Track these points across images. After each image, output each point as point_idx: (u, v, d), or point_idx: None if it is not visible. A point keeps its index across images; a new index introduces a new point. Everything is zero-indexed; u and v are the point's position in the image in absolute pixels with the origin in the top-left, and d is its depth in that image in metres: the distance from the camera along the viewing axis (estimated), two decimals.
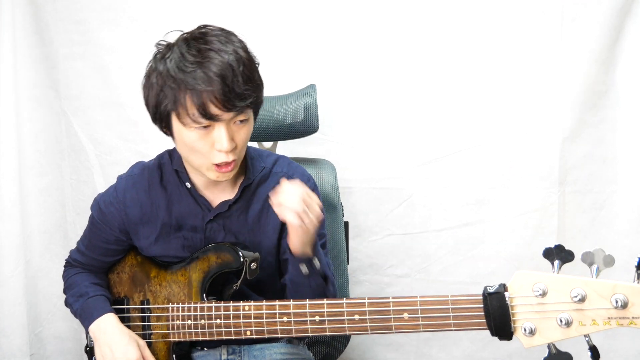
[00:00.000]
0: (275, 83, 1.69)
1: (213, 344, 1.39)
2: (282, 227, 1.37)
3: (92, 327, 1.37)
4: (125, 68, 2.04)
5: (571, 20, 1.81)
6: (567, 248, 0.97)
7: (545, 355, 0.98)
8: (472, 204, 1.95)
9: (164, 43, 1.26)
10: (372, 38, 1.93)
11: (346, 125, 1.98)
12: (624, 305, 0.91)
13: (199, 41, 1.19)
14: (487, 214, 1.94)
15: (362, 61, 1.94)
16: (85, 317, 1.39)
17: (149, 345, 1.37)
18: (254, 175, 1.36)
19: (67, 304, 1.47)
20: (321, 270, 1.28)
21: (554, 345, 0.98)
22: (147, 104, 1.28)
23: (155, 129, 2.02)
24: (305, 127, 1.71)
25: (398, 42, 1.92)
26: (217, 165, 1.22)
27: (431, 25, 1.89)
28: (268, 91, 1.72)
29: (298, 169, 1.41)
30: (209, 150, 1.21)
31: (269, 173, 1.38)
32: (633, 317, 0.91)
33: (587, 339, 0.96)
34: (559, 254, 0.97)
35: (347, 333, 1.14)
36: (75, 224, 2.18)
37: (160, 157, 1.41)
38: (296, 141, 1.79)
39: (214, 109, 1.15)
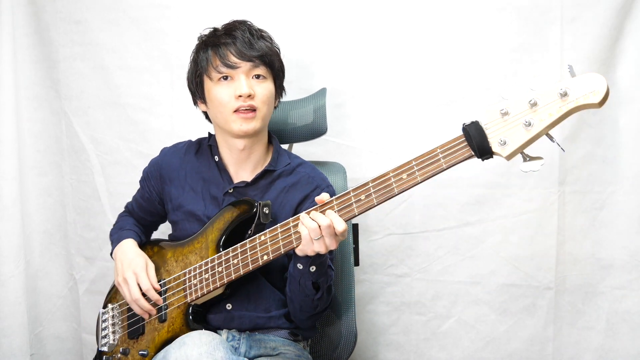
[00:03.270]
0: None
1: (216, 326, 1.44)
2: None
3: (115, 249, 1.58)
4: (125, 68, 2.05)
5: (571, 20, 1.81)
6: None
7: (521, 164, 1.16)
8: (472, 204, 1.94)
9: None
10: (373, 39, 1.93)
11: (345, 126, 1.98)
12: (566, 94, 1.10)
13: (228, 23, 1.50)
14: (487, 214, 1.94)
15: (362, 61, 1.95)
16: (114, 245, 1.59)
17: (164, 318, 1.42)
18: (277, 166, 1.53)
19: (110, 236, 1.66)
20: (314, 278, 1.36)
21: (525, 153, 1.16)
22: (189, 81, 1.54)
23: (154, 129, 2.05)
24: (314, 130, 1.75)
25: (398, 42, 1.92)
26: (240, 112, 1.42)
27: (432, 25, 1.90)
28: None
29: (320, 174, 1.55)
30: (231, 99, 1.43)
31: (292, 170, 1.54)
32: (576, 98, 1.10)
33: (549, 136, 1.15)
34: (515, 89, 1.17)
35: (357, 213, 1.26)
36: (76, 223, 2.18)
37: (202, 138, 1.62)
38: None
39: (232, 58, 1.43)
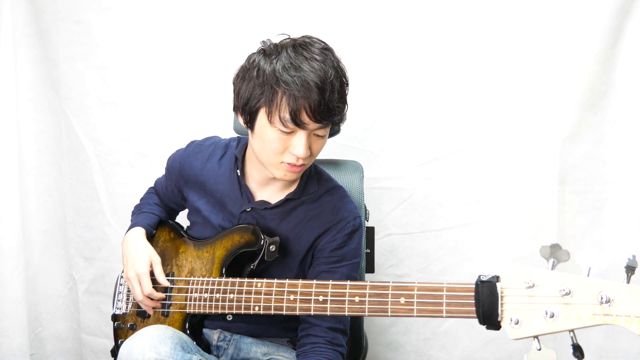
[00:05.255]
0: None
1: (212, 325, 1.44)
2: (307, 253, 1.40)
3: (123, 239, 1.49)
4: (125, 68, 2.04)
5: (571, 20, 1.81)
6: (563, 248, 0.98)
7: (530, 350, 0.99)
8: (472, 204, 1.94)
9: (269, 41, 1.29)
10: (373, 39, 1.93)
11: (345, 126, 1.98)
12: (608, 302, 0.91)
13: (306, 49, 1.24)
14: (487, 214, 1.94)
15: (367, 61, 1.94)
16: (127, 231, 1.51)
17: (167, 315, 1.41)
18: (303, 195, 1.39)
19: (131, 214, 1.60)
20: None
21: (539, 340, 0.98)
22: (237, 94, 1.30)
23: (154, 129, 2.05)
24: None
25: (399, 42, 1.92)
26: (287, 164, 1.28)
27: (431, 25, 1.90)
28: None
29: (348, 205, 1.41)
30: (282, 151, 1.26)
31: (317, 198, 1.41)
32: (617, 315, 0.91)
33: (571, 334, 0.95)
34: (554, 253, 0.98)
35: (346, 314, 1.18)
36: (75, 223, 2.18)
37: (231, 140, 1.50)
38: None
39: (304, 117, 1.21)
